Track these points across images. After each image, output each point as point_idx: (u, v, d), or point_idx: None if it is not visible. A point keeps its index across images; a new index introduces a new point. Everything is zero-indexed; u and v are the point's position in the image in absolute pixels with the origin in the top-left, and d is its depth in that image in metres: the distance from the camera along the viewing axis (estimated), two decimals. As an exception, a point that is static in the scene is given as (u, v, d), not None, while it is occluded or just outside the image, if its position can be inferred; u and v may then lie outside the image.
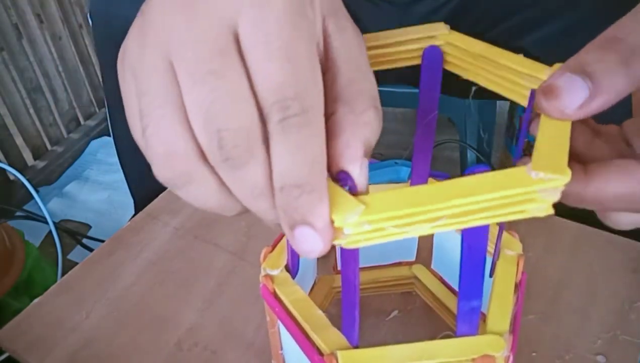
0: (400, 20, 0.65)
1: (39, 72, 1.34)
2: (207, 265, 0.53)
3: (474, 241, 0.26)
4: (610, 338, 0.44)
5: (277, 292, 0.34)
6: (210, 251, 0.54)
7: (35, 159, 1.38)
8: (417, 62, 0.34)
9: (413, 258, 0.48)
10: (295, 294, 0.34)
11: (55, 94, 1.40)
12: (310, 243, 0.21)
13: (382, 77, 0.86)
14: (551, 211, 0.22)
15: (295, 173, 0.21)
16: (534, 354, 0.43)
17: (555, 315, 0.46)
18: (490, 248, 0.36)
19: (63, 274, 0.80)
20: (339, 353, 0.28)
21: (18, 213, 1.06)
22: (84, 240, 1.09)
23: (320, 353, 0.30)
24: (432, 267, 0.47)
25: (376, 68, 0.32)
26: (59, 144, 1.44)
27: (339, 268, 0.47)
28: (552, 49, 0.59)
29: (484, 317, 0.32)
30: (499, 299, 0.32)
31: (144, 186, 0.70)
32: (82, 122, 1.50)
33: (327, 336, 0.30)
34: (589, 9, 0.57)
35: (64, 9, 1.37)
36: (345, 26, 0.25)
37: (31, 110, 1.34)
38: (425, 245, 0.47)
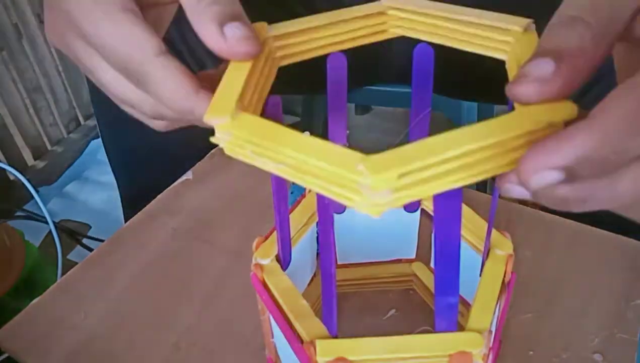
0: None
1: (39, 72, 1.34)
2: (205, 265, 0.53)
3: (446, 235, 0.26)
4: (608, 337, 0.44)
5: (266, 280, 0.35)
6: (209, 251, 0.54)
7: (35, 159, 1.38)
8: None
9: (413, 256, 0.48)
10: (282, 283, 0.34)
11: (55, 94, 1.40)
12: None
13: (383, 77, 0.86)
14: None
15: None
16: (530, 353, 0.44)
17: (552, 314, 0.46)
18: (481, 246, 0.36)
19: (63, 274, 0.81)
20: (318, 342, 0.29)
21: (18, 213, 1.07)
22: (84, 240, 1.10)
23: (301, 341, 0.31)
24: (432, 264, 0.47)
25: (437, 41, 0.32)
26: (59, 144, 1.44)
27: (338, 262, 0.47)
28: None
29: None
30: (483, 297, 0.32)
31: (134, 183, 0.71)
32: (82, 122, 1.50)
33: (308, 325, 0.31)
34: None
35: (63, 9, 1.37)
36: None
37: (31, 110, 1.34)
38: (426, 242, 0.47)
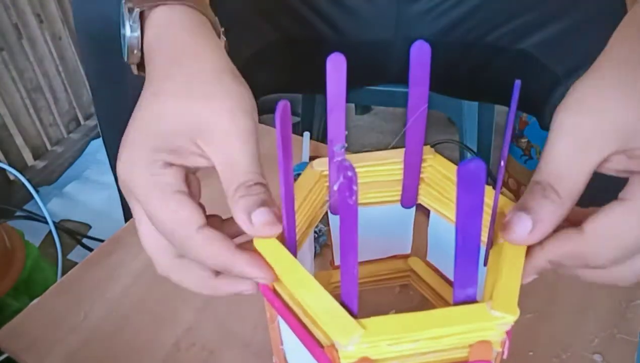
0: (397, 18, 0.65)
1: (39, 72, 1.34)
2: (205, 265, 0.53)
3: (467, 229, 0.26)
4: (607, 337, 0.44)
5: (276, 287, 0.34)
6: (209, 251, 0.54)
7: (35, 159, 1.38)
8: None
9: (408, 251, 0.48)
10: None
11: (55, 94, 1.40)
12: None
13: (383, 77, 0.86)
14: (504, 336, 0.29)
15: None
16: (530, 353, 0.44)
17: (552, 314, 0.46)
18: (484, 237, 0.36)
19: (63, 274, 0.81)
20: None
21: (18, 213, 1.06)
22: (84, 240, 1.10)
23: (321, 346, 0.30)
24: (428, 258, 0.47)
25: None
26: (59, 144, 1.44)
27: (336, 264, 0.47)
28: (554, 51, 0.59)
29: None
30: (504, 284, 0.32)
31: None
32: (82, 122, 1.50)
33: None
34: (589, 11, 0.57)
35: (64, 9, 1.37)
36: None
37: (31, 110, 1.34)
38: (421, 237, 0.47)
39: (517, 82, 0.28)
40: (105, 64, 0.61)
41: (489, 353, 0.29)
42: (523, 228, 0.31)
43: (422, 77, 0.35)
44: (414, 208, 0.44)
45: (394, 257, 0.48)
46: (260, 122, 0.70)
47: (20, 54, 1.28)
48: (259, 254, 0.32)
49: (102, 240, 0.56)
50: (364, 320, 0.28)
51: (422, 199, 0.42)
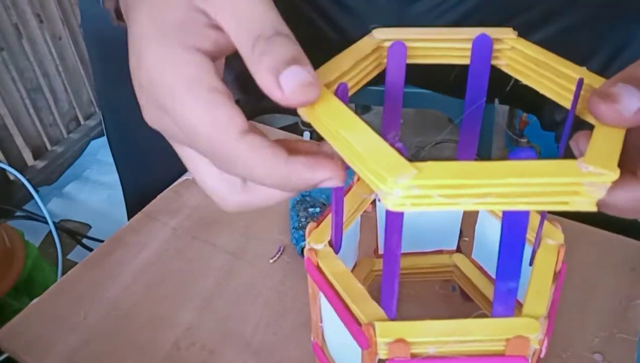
0: (398, 17, 0.65)
1: (39, 72, 1.34)
2: (205, 265, 0.53)
3: (514, 221, 0.26)
4: (608, 337, 0.44)
5: (320, 265, 0.35)
6: (209, 251, 0.54)
7: (35, 159, 1.38)
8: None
9: (454, 247, 0.49)
10: (337, 267, 0.35)
11: (55, 94, 1.40)
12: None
13: (382, 77, 0.85)
14: (594, 208, 0.23)
15: None
16: (531, 353, 0.44)
17: (553, 314, 0.46)
18: (532, 237, 0.36)
19: (63, 274, 0.80)
20: (377, 324, 0.30)
21: (18, 213, 1.06)
22: (84, 240, 1.10)
23: (359, 324, 0.31)
24: (473, 256, 0.47)
25: (434, 61, 0.34)
26: (59, 144, 1.44)
27: (380, 252, 0.47)
28: (554, 49, 0.59)
29: (520, 305, 0.32)
30: (537, 285, 0.33)
31: (139, 184, 0.71)
32: (82, 122, 1.50)
33: (366, 308, 0.32)
34: (589, 9, 0.57)
35: (63, 9, 1.37)
36: None
37: (31, 110, 1.34)
38: (467, 234, 0.47)
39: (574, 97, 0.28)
40: (111, 65, 0.61)
41: (526, 349, 0.29)
42: (632, 104, 0.25)
43: (483, 70, 0.35)
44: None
45: (439, 251, 0.49)
46: (260, 122, 0.70)
47: (20, 54, 1.28)
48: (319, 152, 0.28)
49: (102, 240, 0.56)
50: (419, 163, 0.23)
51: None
